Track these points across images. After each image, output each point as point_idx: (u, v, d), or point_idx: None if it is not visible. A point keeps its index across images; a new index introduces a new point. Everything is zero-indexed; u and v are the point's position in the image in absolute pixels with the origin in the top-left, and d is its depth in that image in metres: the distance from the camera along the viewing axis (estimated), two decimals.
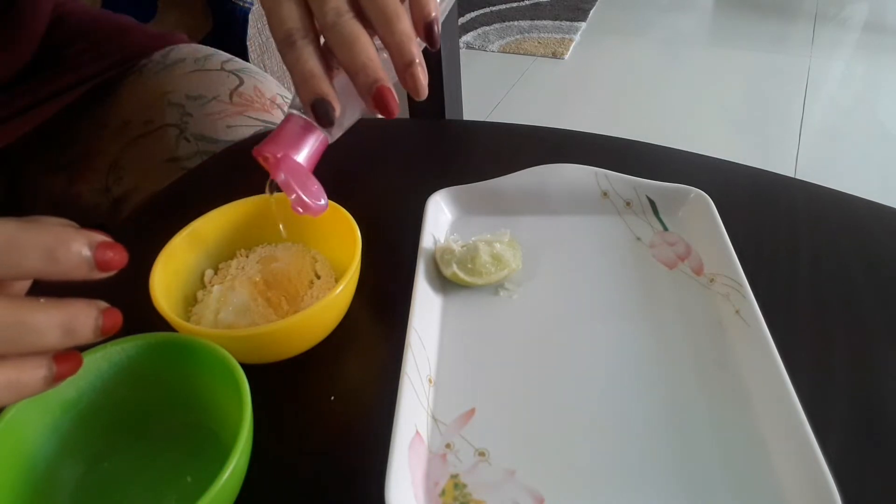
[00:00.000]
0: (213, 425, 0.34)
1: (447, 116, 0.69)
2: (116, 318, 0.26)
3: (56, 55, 0.62)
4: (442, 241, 0.45)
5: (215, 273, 0.43)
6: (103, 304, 0.25)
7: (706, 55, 2.30)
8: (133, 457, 0.34)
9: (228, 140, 0.60)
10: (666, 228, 0.46)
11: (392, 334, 0.39)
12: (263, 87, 0.66)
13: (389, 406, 0.33)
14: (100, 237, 0.25)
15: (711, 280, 0.42)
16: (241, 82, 0.65)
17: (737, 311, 0.38)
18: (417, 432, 0.33)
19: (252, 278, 0.40)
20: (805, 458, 0.30)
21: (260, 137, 0.60)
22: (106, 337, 0.25)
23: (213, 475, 0.27)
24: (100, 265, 0.24)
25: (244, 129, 0.61)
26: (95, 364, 0.33)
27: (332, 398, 0.37)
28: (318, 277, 0.42)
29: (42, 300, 0.24)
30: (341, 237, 0.40)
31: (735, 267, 0.40)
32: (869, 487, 0.31)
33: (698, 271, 0.43)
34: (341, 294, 0.36)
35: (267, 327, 0.35)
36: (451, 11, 0.71)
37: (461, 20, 2.46)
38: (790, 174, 0.52)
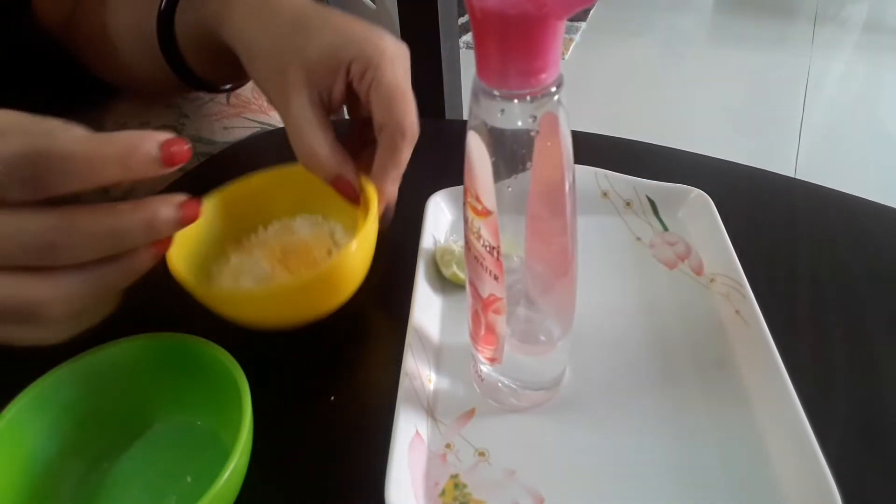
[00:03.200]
0: (213, 425, 0.34)
1: (447, 116, 0.69)
2: (195, 209, 0.29)
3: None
4: (442, 241, 0.45)
5: (234, 248, 0.42)
6: (179, 199, 0.28)
7: (706, 55, 2.30)
8: (133, 457, 0.34)
9: (225, 141, 0.60)
10: (666, 228, 0.46)
11: (392, 334, 0.39)
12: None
13: (389, 406, 0.33)
14: (164, 136, 0.27)
15: (711, 280, 0.42)
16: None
17: (737, 311, 0.38)
18: (417, 432, 0.33)
19: (270, 247, 0.40)
20: (805, 458, 0.30)
21: (256, 139, 0.61)
22: (186, 225, 0.29)
23: (213, 475, 0.27)
24: (166, 161, 0.27)
25: (241, 131, 0.61)
26: (95, 364, 0.33)
27: (332, 398, 0.37)
28: (338, 247, 0.41)
29: (126, 206, 0.27)
30: (357, 207, 0.40)
31: (735, 267, 0.40)
32: (869, 487, 0.31)
33: (698, 271, 0.43)
34: (359, 249, 0.36)
35: (286, 284, 0.35)
36: (450, 11, 0.70)
37: (461, 20, 2.45)
38: (790, 174, 0.52)
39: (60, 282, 0.27)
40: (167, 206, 0.28)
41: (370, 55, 0.38)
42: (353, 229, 0.43)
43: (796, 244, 0.45)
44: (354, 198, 0.39)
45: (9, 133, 0.25)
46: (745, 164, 0.53)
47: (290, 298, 0.36)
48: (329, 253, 0.41)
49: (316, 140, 0.38)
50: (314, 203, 0.44)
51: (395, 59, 0.39)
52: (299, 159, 0.39)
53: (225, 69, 0.46)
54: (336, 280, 0.37)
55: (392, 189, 0.40)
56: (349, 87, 0.39)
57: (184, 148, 0.27)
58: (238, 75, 0.45)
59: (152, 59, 0.48)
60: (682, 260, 0.44)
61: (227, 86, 0.54)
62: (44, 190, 0.25)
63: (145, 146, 0.26)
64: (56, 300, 0.27)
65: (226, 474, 0.27)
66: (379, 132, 0.39)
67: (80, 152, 0.25)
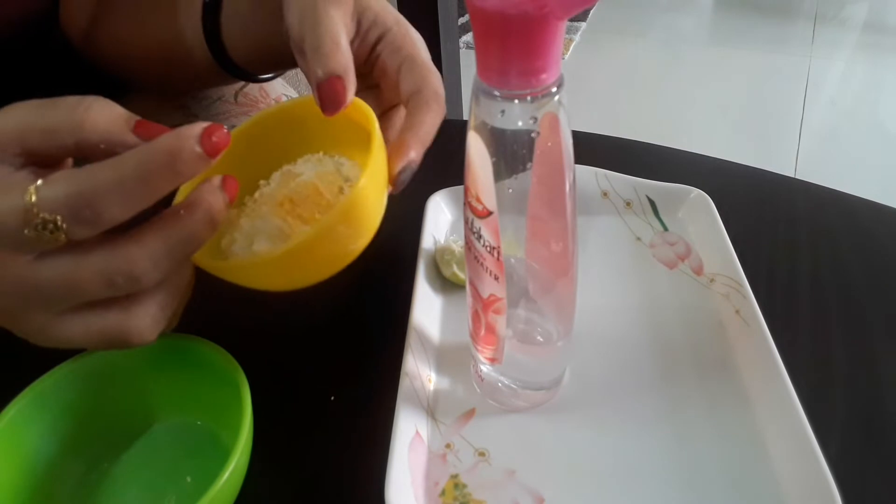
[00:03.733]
0: (213, 425, 0.34)
1: (447, 116, 0.69)
2: (234, 187, 0.29)
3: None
4: (442, 241, 0.45)
5: (240, 213, 0.39)
6: (217, 180, 0.29)
7: (706, 55, 2.30)
8: (133, 457, 0.34)
9: None
10: (666, 228, 0.46)
11: (392, 334, 0.39)
12: (269, 88, 0.66)
13: (389, 406, 0.33)
14: (197, 129, 0.26)
15: (711, 280, 0.42)
16: (247, 83, 0.65)
17: (737, 311, 0.38)
18: (417, 432, 0.33)
19: (278, 200, 0.37)
20: (805, 458, 0.30)
21: None
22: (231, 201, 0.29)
23: (213, 475, 0.27)
24: (211, 153, 0.26)
25: None
26: (95, 364, 0.33)
27: (332, 398, 0.37)
28: (348, 181, 0.38)
29: (181, 210, 0.27)
30: (358, 132, 0.37)
31: (735, 267, 0.40)
32: (869, 487, 0.31)
33: (698, 271, 0.43)
34: (371, 178, 0.32)
35: (303, 240, 0.31)
36: (450, 11, 0.71)
37: (461, 20, 2.46)
38: (790, 174, 0.52)
39: (147, 304, 0.28)
40: (216, 194, 0.28)
41: (406, 32, 0.39)
42: (357, 159, 0.39)
43: (796, 244, 0.45)
44: (340, 103, 0.35)
45: (50, 176, 0.25)
46: (745, 164, 0.53)
47: (314, 251, 0.32)
48: (341, 190, 0.37)
49: (341, 29, 0.34)
50: (312, 141, 0.40)
51: (424, 47, 0.39)
52: (316, 42, 0.34)
53: (270, 40, 0.43)
54: (358, 215, 0.33)
55: (415, 147, 0.37)
56: (366, 56, 0.39)
57: (223, 132, 0.26)
58: (282, 60, 0.43)
59: (194, 52, 0.46)
60: (682, 260, 0.44)
61: (268, 74, 0.51)
62: (108, 223, 0.25)
63: (187, 146, 0.25)
64: (147, 324, 0.28)
65: (226, 474, 0.27)
66: (408, 99, 0.38)
67: (130, 177, 0.25)
